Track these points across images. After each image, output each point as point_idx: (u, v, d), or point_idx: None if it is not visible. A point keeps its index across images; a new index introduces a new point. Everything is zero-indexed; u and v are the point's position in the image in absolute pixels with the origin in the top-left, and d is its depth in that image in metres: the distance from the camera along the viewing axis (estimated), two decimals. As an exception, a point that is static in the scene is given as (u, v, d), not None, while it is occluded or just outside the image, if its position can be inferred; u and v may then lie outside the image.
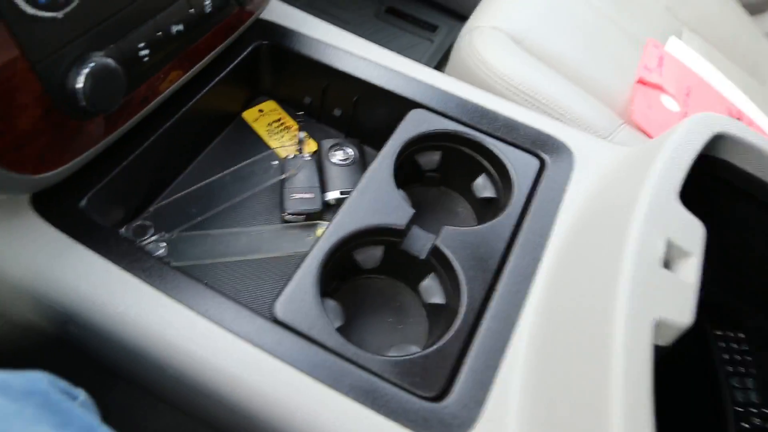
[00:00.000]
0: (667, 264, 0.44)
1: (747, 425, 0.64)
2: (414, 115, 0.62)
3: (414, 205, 0.57)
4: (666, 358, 0.71)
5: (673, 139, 0.54)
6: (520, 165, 0.60)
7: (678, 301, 0.42)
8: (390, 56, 0.70)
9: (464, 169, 0.64)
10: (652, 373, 0.38)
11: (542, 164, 0.61)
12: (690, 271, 0.44)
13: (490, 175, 0.62)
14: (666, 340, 0.42)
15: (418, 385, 0.45)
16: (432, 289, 0.55)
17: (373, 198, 0.55)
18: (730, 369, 0.68)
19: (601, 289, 0.43)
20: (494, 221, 0.55)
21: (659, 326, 0.41)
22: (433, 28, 1.40)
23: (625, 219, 0.46)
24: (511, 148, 0.61)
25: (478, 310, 0.50)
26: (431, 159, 0.64)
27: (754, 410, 0.65)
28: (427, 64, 0.88)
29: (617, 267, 0.43)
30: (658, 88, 0.97)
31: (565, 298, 0.48)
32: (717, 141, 0.57)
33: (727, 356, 0.68)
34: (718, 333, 0.70)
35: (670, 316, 0.41)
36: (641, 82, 0.96)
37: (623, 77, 0.94)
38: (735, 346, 0.69)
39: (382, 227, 0.54)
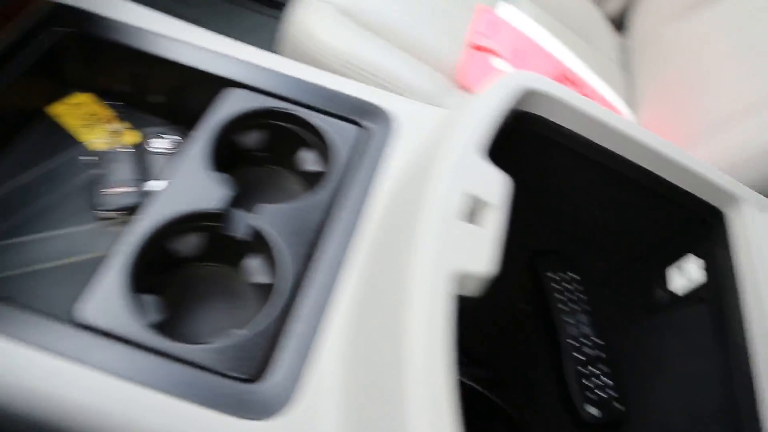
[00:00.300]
0: (471, 217, 0.46)
1: (580, 355, 0.69)
2: (228, 95, 0.61)
3: (243, 187, 0.55)
4: (510, 303, 0.75)
5: (481, 96, 0.56)
6: (339, 135, 0.60)
7: (479, 253, 0.44)
8: (209, 36, 0.67)
9: (289, 145, 0.64)
10: (450, 324, 0.40)
11: (362, 132, 0.61)
12: (493, 223, 0.46)
13: (313, 148, 0.62)
14: (472, 290, 0.44)
15: (234, 368, 0.44)
16: (257, 269, 0.54)
17: (185, 184, 0.53)
18: (565, 308, 0.73)
19: (402, 248, 0.44)
20: (312, 194, 0.55)
21: (461, 278, 0.42)
22: (279, 6, 1.38)
23: (428, 176, 0.48)
24: (329, 119, 0.61)
25: (297, 286, 0.50)
26: (254, 138, 0.63)
27: (587, 341, 0.71)
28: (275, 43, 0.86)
29: (416, 223, 0.44)
30: (490, 52, 1.01)
31: (377, 263, 0.49)
32: (535, 98, 0.59)
33: (561, 296, 0.73)
34: (552, 276, 0.74)
35: (471, 267, 0.43)
36: (473, 46, 0.99)
37: (456, 43, 0.97)
38: (568, 286, 0.74)
39: (196, 213, 0.52)
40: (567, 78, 1.06)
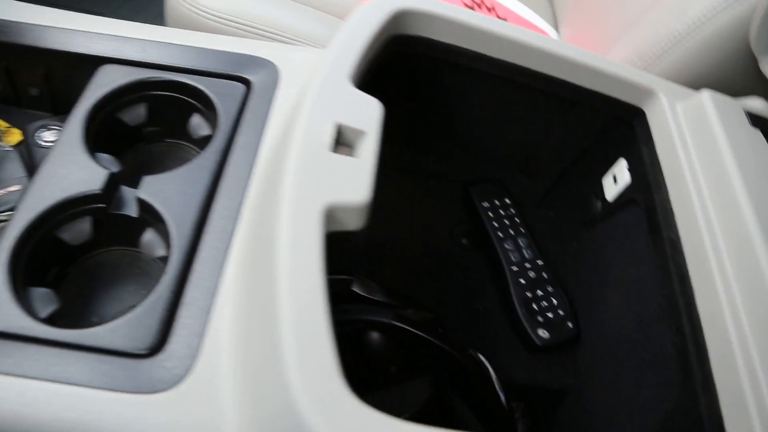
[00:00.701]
0: (342, 147, 0.43)
1: (525, 281, 0.67)
2: (100, 73, 0.56)
3: (140, 165, 0.52)
4: (451, 240, 0.72)
5: (348, 22, 0.53)
6: (222, 94, 0.56)
7: (352, 182, 0.41)
8: (80, 18, 0.63)
9: (178, 115, 0.60)
10: (322, 258, 0.37)
11: (248, 87, 0.58)
12: (367, 150, 0.43)
13: (203, 114, 0.58)
14: (350, 222, 0.41)
15: (129, 345, 0.41)
16: (155, 243, 0.51)
17: (60, 171, 0.49)
18: (503, 235, 0.70)
19: (274, 189, 0.41)
20: (197, 158, 0.52)
21: (335, 210, 0.40)
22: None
23: (297, 111, 0.45)
24: (212, 79, 0.57)
25: (191, 253, 0.47)
26: (138, 114, 0.59)
27: (530, 265, 0.69)
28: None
29: (285, 161, 0.41)
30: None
31: (259, 211, 0.46)
32: (413, 19, 0.56)
33: (498, 224, 0.71)
34: (487, 205, 0.72)
35: (344, 198, 0.40)
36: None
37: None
38: (504, 212, 0.72)
39: (74, 198, 0.48)
40: (476, 2, 1.02)
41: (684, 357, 0.49)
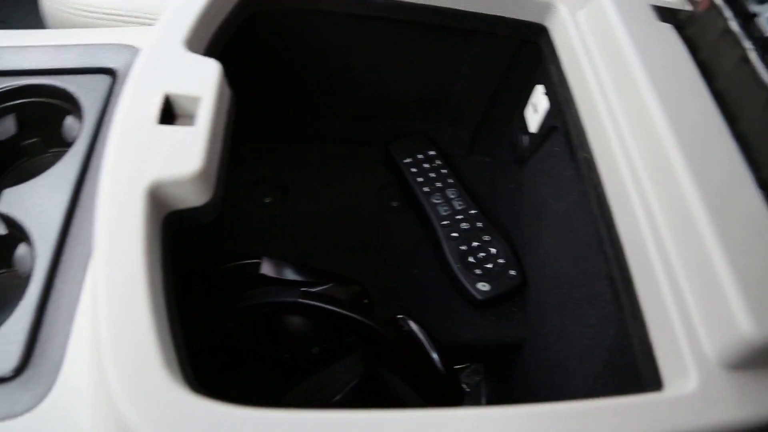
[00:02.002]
0: (174, 117, 0.38)
1: (458, 233, 0.62)
2: None
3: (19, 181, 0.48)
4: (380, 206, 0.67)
5: None
6: (88, 88, 0.52)
7: (182, 153, 0.36)
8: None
9: (52, 120, 0.55)
10: (145, 243, 0.32)
11: (114, 77, 0.53)
12: (203, 117, 0.38)
13: (74, 113, 0.54)
14: (189, 197, 0.36)
15: None
16: (27, 258, 0.47)
17: None
18: (430, 188, 0.65)
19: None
20: (59, 162, 0.47)
21: (164, 187, 0.35)
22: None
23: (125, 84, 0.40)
24: (75, 76, 0.53)
25: (53, 265, 0.42)
26: (5, 127, 0.54)
27: (462, 216, 0.64)
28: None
29: (109, 139, 0.36)
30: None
31: None
32: None
33: (423, 178, 0.66)
34: (410, 161, 0.67)
35: (171, 171, 0.35)
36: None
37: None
38: (428, 165, 0.67)
39: None
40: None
41: (612, 285, 0.44)
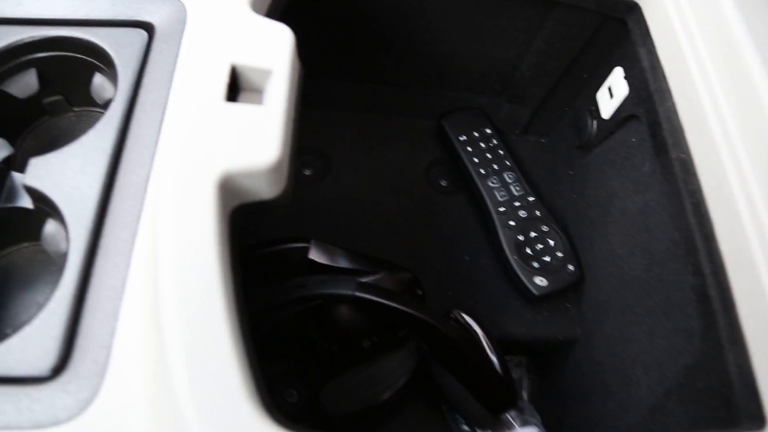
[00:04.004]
0: (243, 94, 0.33)
1: (516, 222, 0.58)
2: None
3: (49, 142, 0.43)
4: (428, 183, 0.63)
5: None
6: (122, 44, 0.46)
7: (257, 138, 0.31)
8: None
9: (78, 77, 0.50)
10: (219, 246, 0.28)
11: (150, 32, 0.47)
12: (275, 93, 0.33)
13: (103, 71, 0.48)
14: (262, 189, 0.32)
15: (21, 368, 0.34)
16: (57, 237, 0.42)
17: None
18: (487, 171, 0.61)
19: (164, 155, 0.32)
20: (93, 129, 0.42)
21: (236, 178, 0.31)
22: None
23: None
24: (107, 29, 0.47)
25: (91, 248, 0.38)
26: (27, 83, 0.49)
27: (520, 203, 0.59)
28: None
29: (170, 119, 0.32)
30: None
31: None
32: None
33: (479, 159, 0.61)
34: (465, 138, 0.62)
35: (246, 161, 0.30)
36: None
37: None
38: (485, 144, 0.62)
39: None
40: None
41: (704, 302, 0.40)
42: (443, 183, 0.63)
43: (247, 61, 0.33)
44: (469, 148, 0.61)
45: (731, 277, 0.38)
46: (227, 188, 0.30)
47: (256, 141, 0.31)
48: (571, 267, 0.56)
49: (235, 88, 0.35)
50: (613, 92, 0.54)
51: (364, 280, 0.49)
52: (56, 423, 0.33)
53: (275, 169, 0.31)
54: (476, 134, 0.62)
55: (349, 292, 0.45)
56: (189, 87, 0.32)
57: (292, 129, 0.34)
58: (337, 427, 0.51)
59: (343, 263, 0.50)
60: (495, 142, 0.62)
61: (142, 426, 0.31)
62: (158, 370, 0.32)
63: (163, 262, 0.27)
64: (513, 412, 0.56)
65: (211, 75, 0.32)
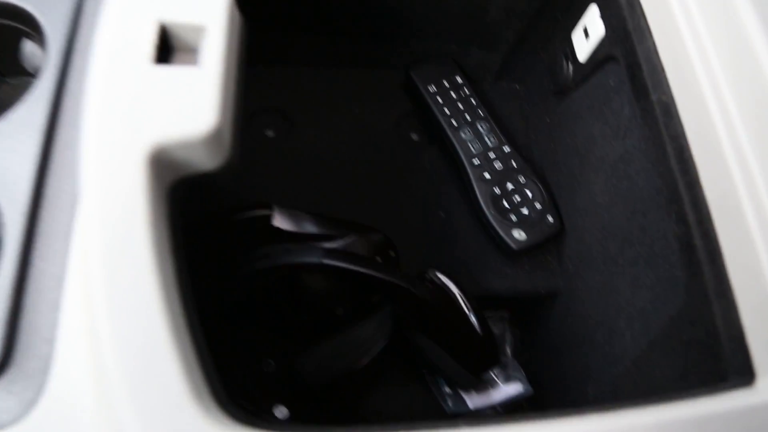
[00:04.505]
0: (173, 54, 0.30)
1: (491, 174, 0.56)
2: None
3: None
4: (397, 138, 0.60)
5: None
6: (49, 7, 0.42)
7: (190, 103, 0.28)
8: None
9: (8, 45, 0.45)
10: (152, 229, 0.25)
11: None
12: (210, 52, 0.30)
13: (33, 36, 0.44)
14: (201, 160, 0.29)
15: None
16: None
17: None
18: (459, 122, 0.58)
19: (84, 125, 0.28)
20: (20, 102, 0.38)
21: (170, 151, 0.27)
22: None
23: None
24: None
25: (28, 233, 0.35)
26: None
27: (495, 154, 0.56)
28: None
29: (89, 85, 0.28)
30: None
31: None
32: None
33: (451, 109, 0.58)
34: (434, 88, 0.59)
35: (179, 130, 0.27)
36: None
37: None
38: (456, 94, 0.59)
39: None
40: None
41: (689, 252, 0.39)
42: (414, 137, 0.60)
43: (177, 17, 0.29)
44: (440, 99, 0.58)
45: (717, 225, 0.36)
46: (161, 162, 0.27)
47: (191, 107, 0.27)
48: (550, 219, 0.54)
49: (168, 48, 0.31)
50: (588, 32, 0.50)
51: (332, 245, 0.47)
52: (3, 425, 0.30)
53: (213, 137, 0.28)
54: (446, 84, 0.58)
55: (315, 260, 0.43)
56: (112, 50, 0.28)
57: (234, 90, 0.31)
58: (316, 397, 0.49)
59: (309, 228, 0.47)
60: (466, 91, 0.58)
61: (90, 426, 0.29)
62: (103, 363, 0.29)
63: (92, 250, 0.24)
64: (496, 369, 0.55)
65: (135, 35, 0.28)
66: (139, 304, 0.24)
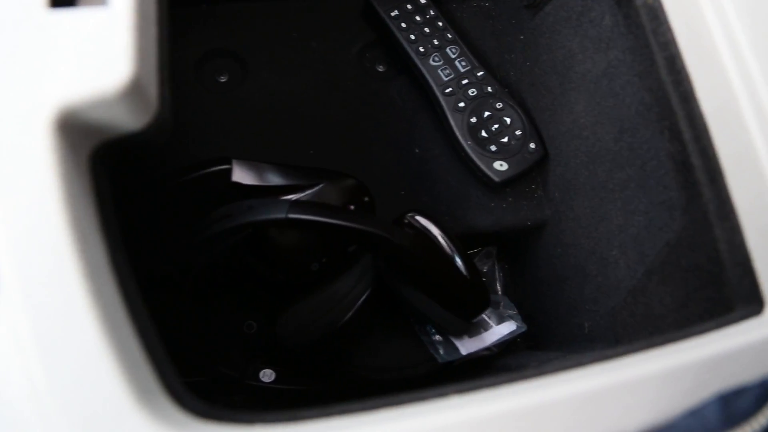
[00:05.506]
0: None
1: (466, 101, 0.51)
2: None
3: None
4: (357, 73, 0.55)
5: None
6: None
7: (97, 51, 0.23)
8: None
9: None
10: (67, 208, 0.21)
11: None
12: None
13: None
14: (122, 119, 0.24)
15: None
16: None
17: None
18: (426, 48, 0.53)
19: None
20: None
21: (80, 113, 0.23)
22: None
23: None
24: None
25: None
26: None
27: (468, 80, 0.52)
28: None
29: None
30: None
31: None
32: None
33: (416, 35, 0.53)
34: (397, 13, 0.53)
35: (88, 86, 0.23)
36: None
37: None
38: (418, 18, 0.53)
39: None
40: None
41: (685, 172, 0.35)
42: (380, 68, 0.55)
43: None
44: (404, 24, 0.52)
45: (716, 141, 0.32)
46: (73, 127, 0.23)
47: (100, 57, 0.23)
48: (532, 145, 0.51)
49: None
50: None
51: (299, 196, 0.43)
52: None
53: (131, 90, 0.23)
54: (409, 6, 0.53)
55: (281, 216, 0.39)
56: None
57: (156, 32, 0.26)
58: (301, 357, 0.47)
59: (274, 180, 0.44)
60: (432, 12, 0.53)
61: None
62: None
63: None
64: (488, 310, 0.52)
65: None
66: (59, 300, 0.20)
